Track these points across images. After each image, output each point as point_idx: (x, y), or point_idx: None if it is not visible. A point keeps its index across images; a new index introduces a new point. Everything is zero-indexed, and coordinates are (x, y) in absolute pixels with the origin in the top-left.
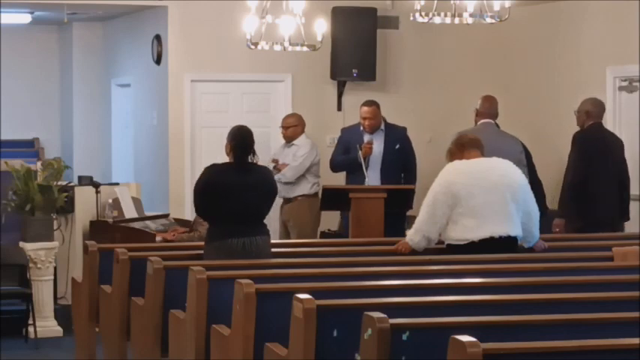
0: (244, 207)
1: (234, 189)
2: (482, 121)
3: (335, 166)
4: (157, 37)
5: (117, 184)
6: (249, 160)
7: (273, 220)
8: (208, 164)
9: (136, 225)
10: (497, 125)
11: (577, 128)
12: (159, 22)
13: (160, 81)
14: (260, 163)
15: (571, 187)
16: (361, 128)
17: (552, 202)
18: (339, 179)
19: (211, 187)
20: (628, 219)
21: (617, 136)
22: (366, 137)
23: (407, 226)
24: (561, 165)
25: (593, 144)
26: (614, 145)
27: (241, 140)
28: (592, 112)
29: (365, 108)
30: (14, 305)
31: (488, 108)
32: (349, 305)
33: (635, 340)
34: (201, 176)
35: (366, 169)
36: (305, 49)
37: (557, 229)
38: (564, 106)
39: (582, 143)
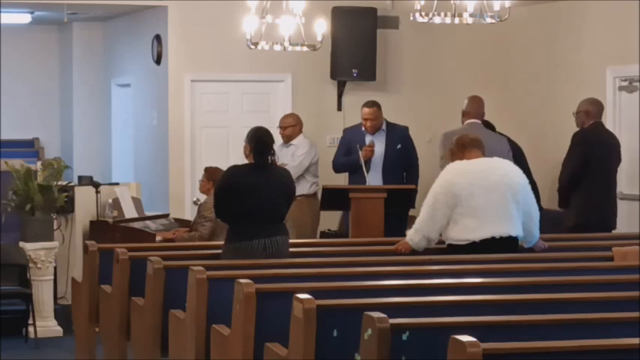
0: (265, 208)
1: (254, 190)
2: (469, 121)
3: (337, 168)
4: (157, 37)
5: (117, 184)
6: (269, 161)
7: None
8: (208, 164)
9: (136, 225)
10: (491, 125)
11: (577, 128)
12: (159, 22)
13: (160, 81)
14: None
15: (565, 187)
16: (363, 128)
17: (549, 201)
18: (338, 179)
19: (232, 189)
20: (615, 225)
21: (616, 136)
22: (368, 138)
23: (407, 226)
24: (560, 165)
25: (593, 144)
26: (612, 145)
27: (259, 141)
28: (591, 111)
29: (366, 109)
30: (14, 305)
31: (477, 108)
32: (349, 305)
33: (635, 340)
34: (222, 178)
35: (368, 170)
36: (305, 49)
37: None
38: (564, 106)
39: (581, 143)
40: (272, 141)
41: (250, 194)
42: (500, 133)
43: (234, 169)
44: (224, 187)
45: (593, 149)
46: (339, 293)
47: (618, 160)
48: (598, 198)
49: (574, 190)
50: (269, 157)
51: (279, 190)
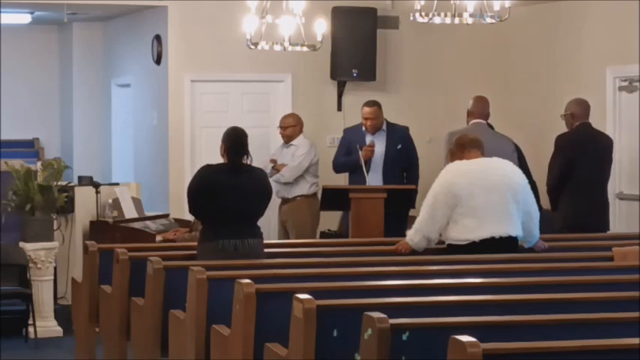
0: (237, 208)
1: (227, 190)
2: (474, 121)
3: (337, 168)
4: (157, 37)
5: (117, 184)
6: (244, 161)
7: (272, 220)
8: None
9: (136, 225)
10: (490, 125)
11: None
12: (159, 22)
13: (160, 81)
14: (259, 163)
15: (552, 190)
16: (363, 129)
17: (549, 201)
18: (338, 179)
19: (204, 188)
20: (608, 226)
21: (608, 135)
22: (368, 138)
23: (407, 226)
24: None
25: (575, 146)
26: (601, 146)
27: (235, 141)
28: (577, 113)
29: (367, 108)
30: (14, 305)
31: (481, 108)
32: (349, 305)
33: (635, 340)
34: (195, 177)
35: (368, 170)
36: (305, 49)
37: None
38: (564, 106)
39: (563, 146)
40: (246, 141)
41: (223, 194)
42: (499, 134)
43: (208, 169)
44: (196, 186)
45: (577, 151)
46: (339, 293)
47: (609, 160)
48: (586, 200)
49: (561, 193)
50: (244, 158)
51: (253, 190)
